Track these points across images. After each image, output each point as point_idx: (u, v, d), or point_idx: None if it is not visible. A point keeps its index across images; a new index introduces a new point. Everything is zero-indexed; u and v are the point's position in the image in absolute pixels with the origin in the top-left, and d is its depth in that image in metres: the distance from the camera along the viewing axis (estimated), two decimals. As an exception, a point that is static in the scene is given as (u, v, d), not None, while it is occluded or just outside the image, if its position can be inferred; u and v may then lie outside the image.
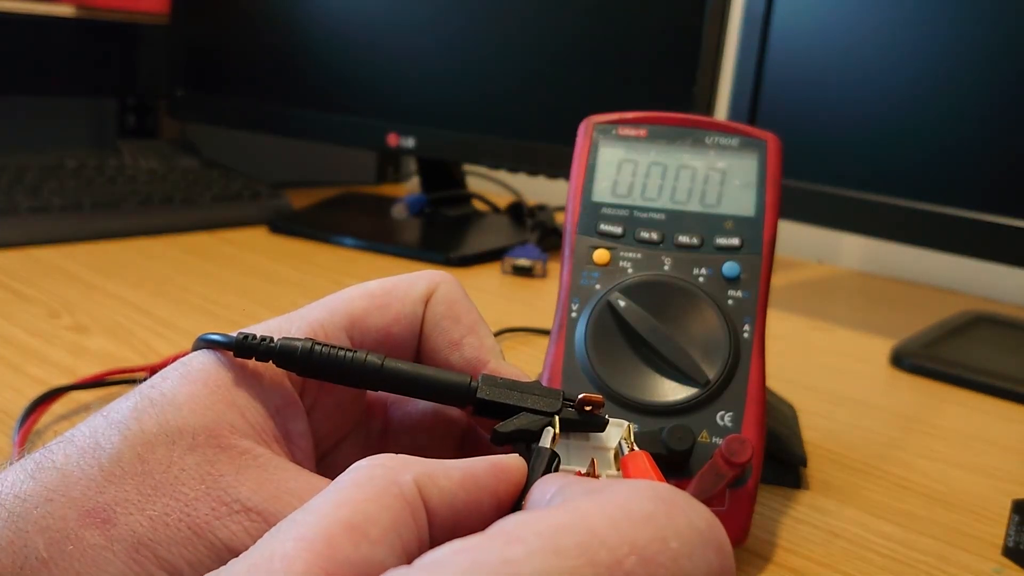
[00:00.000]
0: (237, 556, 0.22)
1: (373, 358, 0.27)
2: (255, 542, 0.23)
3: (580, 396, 0.27)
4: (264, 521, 0.24)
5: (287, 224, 0.95)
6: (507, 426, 0.26)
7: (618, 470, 0.26)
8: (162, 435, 0.25)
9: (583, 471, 0.26)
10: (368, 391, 0.31)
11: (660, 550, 0.19)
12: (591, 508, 0.19)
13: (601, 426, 0.27)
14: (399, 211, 1.03)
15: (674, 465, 0.38)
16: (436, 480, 0.22)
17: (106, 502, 0.23)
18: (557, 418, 0.26)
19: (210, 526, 0.24)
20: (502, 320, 0.68)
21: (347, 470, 0.22)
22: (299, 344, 0.27)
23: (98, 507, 0.23)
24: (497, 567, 0.18)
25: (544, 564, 0.18)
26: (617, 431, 0.27)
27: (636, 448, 0.26)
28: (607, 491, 0.20)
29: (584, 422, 0.27)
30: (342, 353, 0.27)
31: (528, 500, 0.23)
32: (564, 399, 0.27)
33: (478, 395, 0.27)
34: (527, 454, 0.25)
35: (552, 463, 0.24)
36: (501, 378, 0.28)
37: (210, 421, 0.25)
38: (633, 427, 0.27)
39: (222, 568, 0.21)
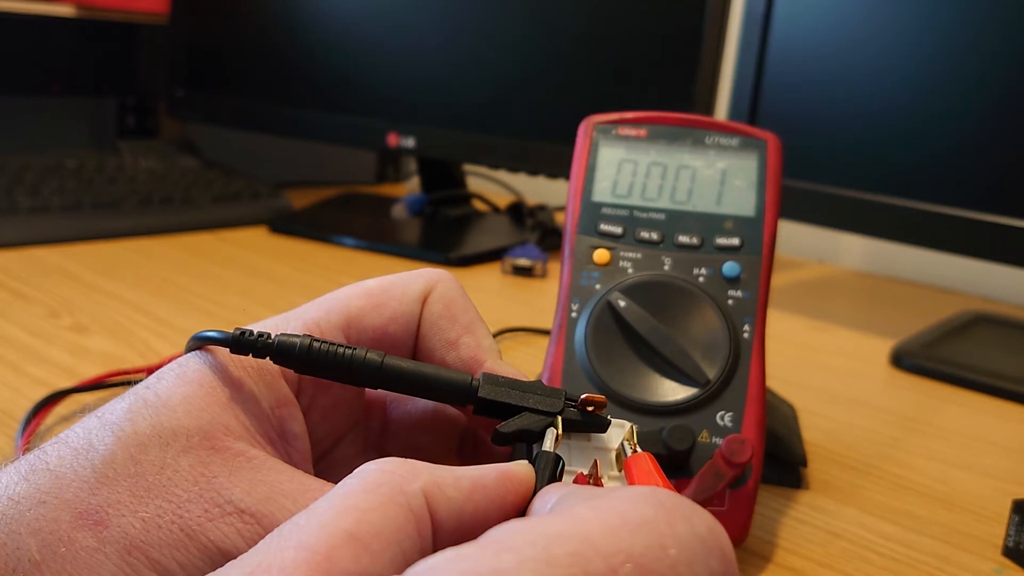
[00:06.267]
0: (229, 558, 0.22)
1: (373, 355, 0.27)
2: (247, 544, 0.23)
3: (582, 396, 0.26)
4: (257, 523, 0.24)
5: (287, 224, 0.95)
6: (509, 426, 0.26)
7: (620, 471, 0.26)
8: (155, 437, 0.25)
9: (585, 472, 0.25)
10: (367, 390, 0.31)
11: (658, 557, 0.18)
12: (588, 515, 0.19)
13: (603, 427, 0.27)
14: (399, 211, 1.03)
15: (674, 465, 0.38)
16: (444, 490, 0.22)
17: (99, 504, 0.23)
18: (559, 419, 0.26)
19: (202, 528, 0.23)
20: (502, 320, 0.68)
21: (353, 473, 0.22)
22: (297, 341, 0.26)
23: (91, 509, 0.23)
24: None
25: (535, 574, 0.17)
26: (619, 432, 0.27)
27: (639, 449, 0.26)
28: (606, 498, 0.20)
29: (586, 423, 0.26)
30: (341, 350, 0.27)
31: (530, 509, 0.23)
32: (566, 399, 0.27)
33: (479, 394, 0.27)
34: (529, 454, 0.25)
35: (557, 467, 0.24)
36: (502, 377, 0.27)
37: (204, 423, 0.25)
38: (635, 428, 0.27)
39: (219, 571, 0.21)
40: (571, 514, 0.19)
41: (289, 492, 0.25)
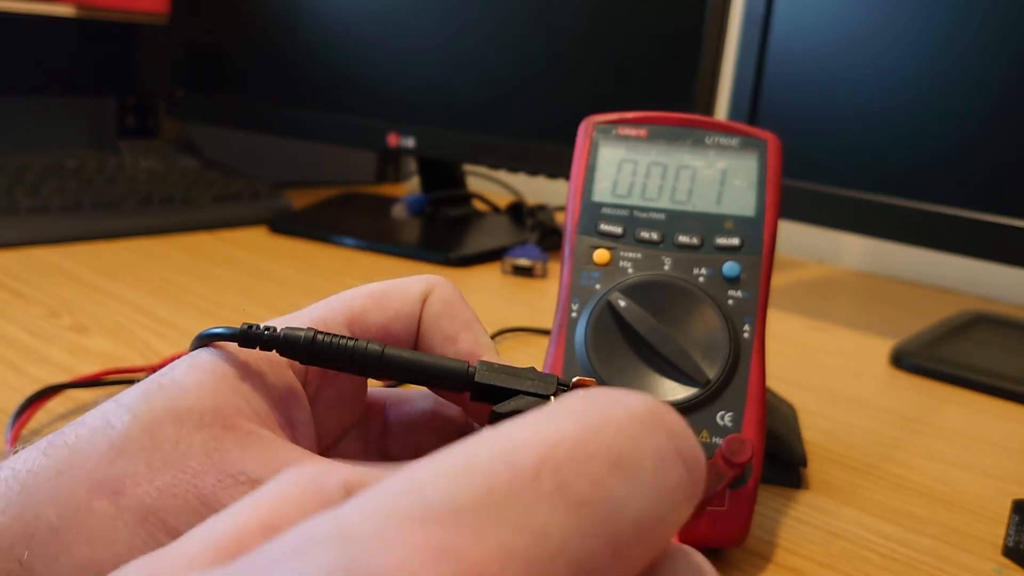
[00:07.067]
0: None
1: (374, 346, 0.28)
2: None
3: (574, 380, 0.27)
4: None
5: (287, 224, 0.95)
6: (504, 407, 0.27)
7: None
8: (171, 415, 0.25)
9: None
10: (368, 393, 0.32)
11: (593, 440, 0.15)
12: (514, 424, 0.16)
13: None
14: (399, 211, 1.03)
15: (674, 465, 0.38)
16: (369, 482, 0.21)
17: (116, 475, 0.24)
18: (553, 399, 0.27)
19: (216, 496, 0.24)
20: (502, 320, 0.68)
21: (274, 478, 0.22)
22: (302, 333, 0.27)
23: (108, 479, 0.24)
24: (401, 492, 0.15)
25: (453, 483, 0.14)
26: None
27: None
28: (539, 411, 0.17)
29: None
30: (344, 341, 0.28)
31: None
32: (558, 384, 0.28)
33: (476, 379, 0.28)
34: None
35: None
36: (497, 364, 0.28)
37: (217, 405, 0.26)
38: None
39: (118, 570, 0.21)
40: (494, 429, 0.16)
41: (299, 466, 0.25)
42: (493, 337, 0.64)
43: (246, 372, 0.27)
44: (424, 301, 0.31)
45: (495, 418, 0.27)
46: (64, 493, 0.24)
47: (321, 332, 0.28)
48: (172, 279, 0.74)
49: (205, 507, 0.24)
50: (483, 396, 0.28)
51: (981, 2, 0.68)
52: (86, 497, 0.24)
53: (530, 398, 0.27)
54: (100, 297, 0.68)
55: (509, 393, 0.27)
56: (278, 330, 0.28)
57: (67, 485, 0.24)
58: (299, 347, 0.27)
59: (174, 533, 0.23)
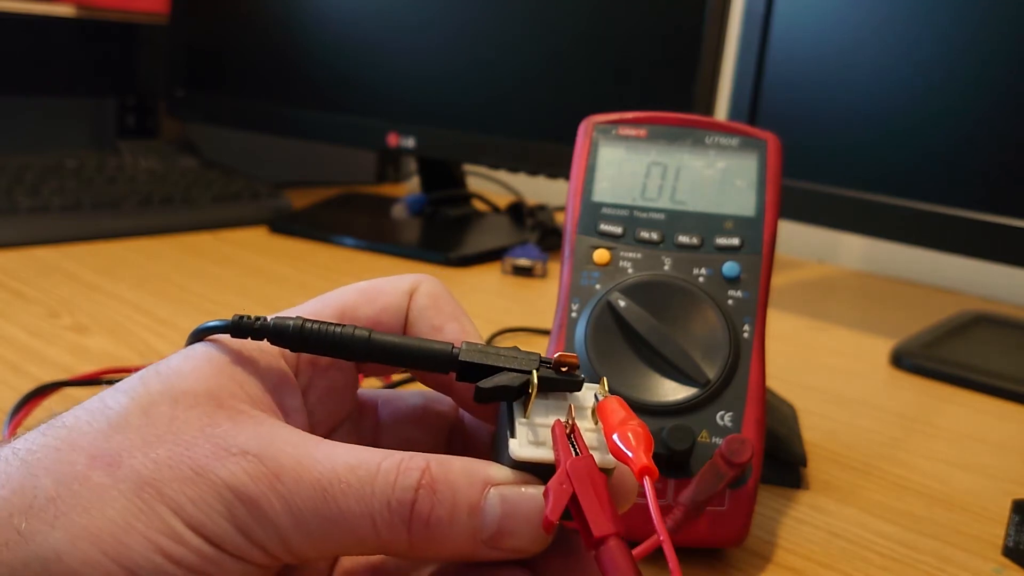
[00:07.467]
0: (237, 493, 0.24)
1: (361, 331, 0.29)
2: (253, 480, 0.25)
3: (556, 355, 0.28)
4: (261, 462, 0.25)
5: (287, 224, 0.95)
6: (489, 382, 0.27)
7: (596, 424, 0.27)
8: (166, 395, 0.26)
9: (563, 419, 0.27)
10: (359, 391, 0.32)
11: None
12: None
13: (577, 385, 0.28)
14: (399, 211, 1.03)
15: (674, 465, 0.38)
16: None
17: (112, 448, 0.25)
18: (536, 373, 0.27)
19: (210, 466, 0.25)
20: (502, 320, 0.68)
21: None
22: (291, 322, 0.28)
23: (105, 452, 0.25)
24: None
25: None
26: (592, 393, 0.28)
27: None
28: None
29: (561, 381, 0.28)
30: (331, 328, 0.29)
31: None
32: (541, 361, 0.28)
33: (461, 358, 0.28)
34: (510, 412, 0.27)
35: (526, 384, 0.26)
36: (481, 345, 0.29)
37: (211, 388, 0.27)
38: (606, 380, 0.28)
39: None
40: None
41: (290, 440, 0.26)
42: (493, 337, 0.64)
43: (239, 360, 0.28)
44: (411, 295, 0.32)
45: (479, 394, 0.27)
46: (62, 466, 0.25)
47: (309, 320, 0.29)
48: (172, 279, 0.74)
49: (200, 477, 0.25)
50: (468, 376, 0.29)
51: (979, 1, 0.68)
52: (83, 469, 0.24)
53: (513, 374, 0.27)
54: (100, 297, 0.68)
55: (493, 370, 0.28)
56: (268, 319, 0.29)
57: (65, 458, 0.25)
58: (288, 334, 0.28)
59: (169, 502, 0.24)
